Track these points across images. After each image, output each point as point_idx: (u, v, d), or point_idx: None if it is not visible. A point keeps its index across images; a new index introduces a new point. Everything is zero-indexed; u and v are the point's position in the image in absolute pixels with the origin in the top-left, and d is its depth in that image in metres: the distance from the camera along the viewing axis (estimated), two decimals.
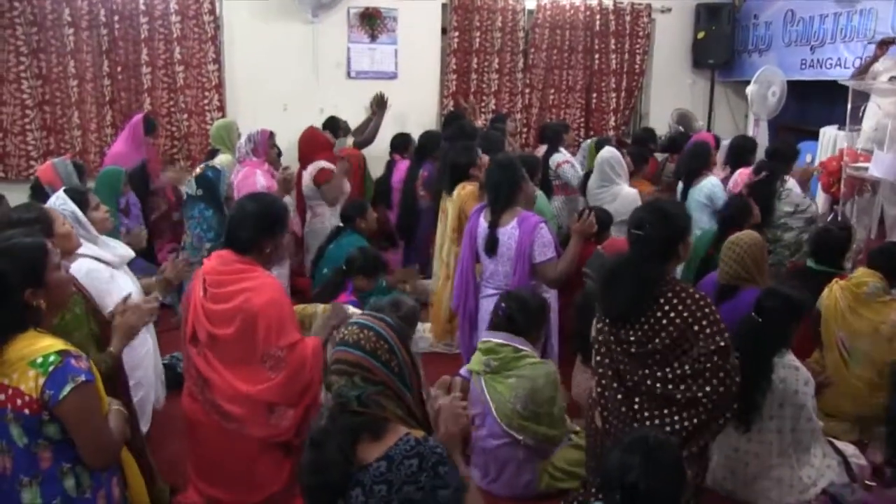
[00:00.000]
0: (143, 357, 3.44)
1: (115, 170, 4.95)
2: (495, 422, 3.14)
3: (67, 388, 1.93)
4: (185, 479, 3.07)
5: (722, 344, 2.43)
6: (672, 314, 2.46)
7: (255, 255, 2.79)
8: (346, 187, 5.61)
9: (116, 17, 6.34)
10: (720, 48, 7.96)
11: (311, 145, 5.93)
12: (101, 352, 2.56)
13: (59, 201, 3.22)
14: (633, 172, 5.71)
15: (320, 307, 3.47)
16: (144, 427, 3.45)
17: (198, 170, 4.99)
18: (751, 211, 4.28)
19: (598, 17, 7.86)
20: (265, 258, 2.82)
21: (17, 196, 5.00)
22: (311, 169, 5.56)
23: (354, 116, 6.76)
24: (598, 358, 2.71)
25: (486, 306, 3.95)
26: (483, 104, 7.62)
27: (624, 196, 5.42)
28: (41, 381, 1.92)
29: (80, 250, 3.06)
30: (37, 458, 2.00)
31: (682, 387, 2.46)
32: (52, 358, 1.95)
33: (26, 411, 1.94)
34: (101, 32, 6.30)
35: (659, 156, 6.61)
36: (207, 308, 2.74)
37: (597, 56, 7.99)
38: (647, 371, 2.53)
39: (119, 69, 6.46)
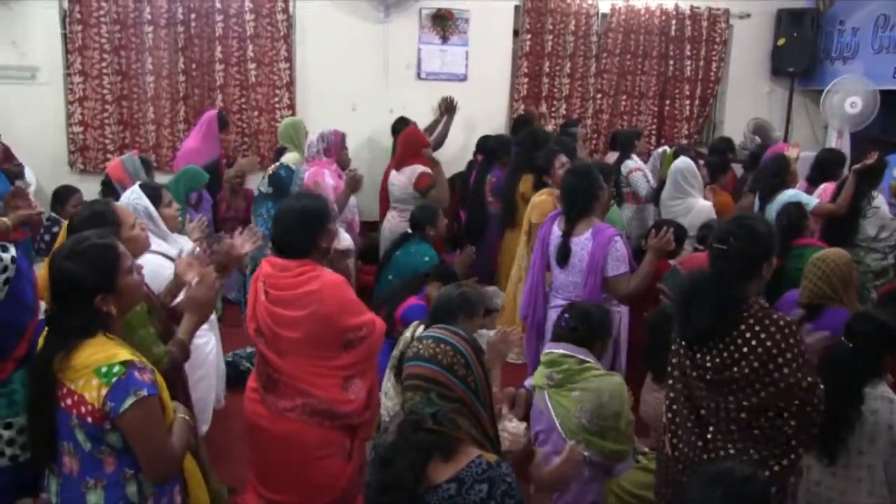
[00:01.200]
0: (206, 358, 3.46)
1: (198, 171, 4.68)
2: (560, 438, 3.03)
3: (129, 402, 1.92)
4: (244, 482, 3.06)
5: (808, 381, 2.27)
6: (754, 342, 2.30)
7: (315, 255, 2.77)
8: (446, 197, 5.39)
9: (193, 15, 6.47)
10: (801, 55, 7.65)
11: (412, 148, 5.53)
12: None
13: (133, 195, 3.29)
14: (710, 182, 5.53)
15: None
16: (204, 428, 3.47)
17: (271, 168, 5.00)
18: (805, 216, 4.17)
19: (673, 21, 7.66)
20: (323, 252, 2.82)
21: (94, 187, 5.17)
22: (410, 173, 5.34)
23: (423, 118, 6.73)
24: (671, 382, 2.57)
25: (555, 317, 3.85)
26: (554, 109, 7.50)
27: (698, 210, 5.24)
28: (103, 391, 1.92)
29: None
30: (101, 463, 2.01)
31: (759, 421, 2.31)
32: (116, 368, 1.94)
33: (89, 419, 1.94)
34: (177, 30, 6.44)
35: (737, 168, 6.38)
36: (275, 312, 2.72)
37: (671, 62, 7.79)
38: (722, 400, 2.37)
39: (193, 66, 6.59)
